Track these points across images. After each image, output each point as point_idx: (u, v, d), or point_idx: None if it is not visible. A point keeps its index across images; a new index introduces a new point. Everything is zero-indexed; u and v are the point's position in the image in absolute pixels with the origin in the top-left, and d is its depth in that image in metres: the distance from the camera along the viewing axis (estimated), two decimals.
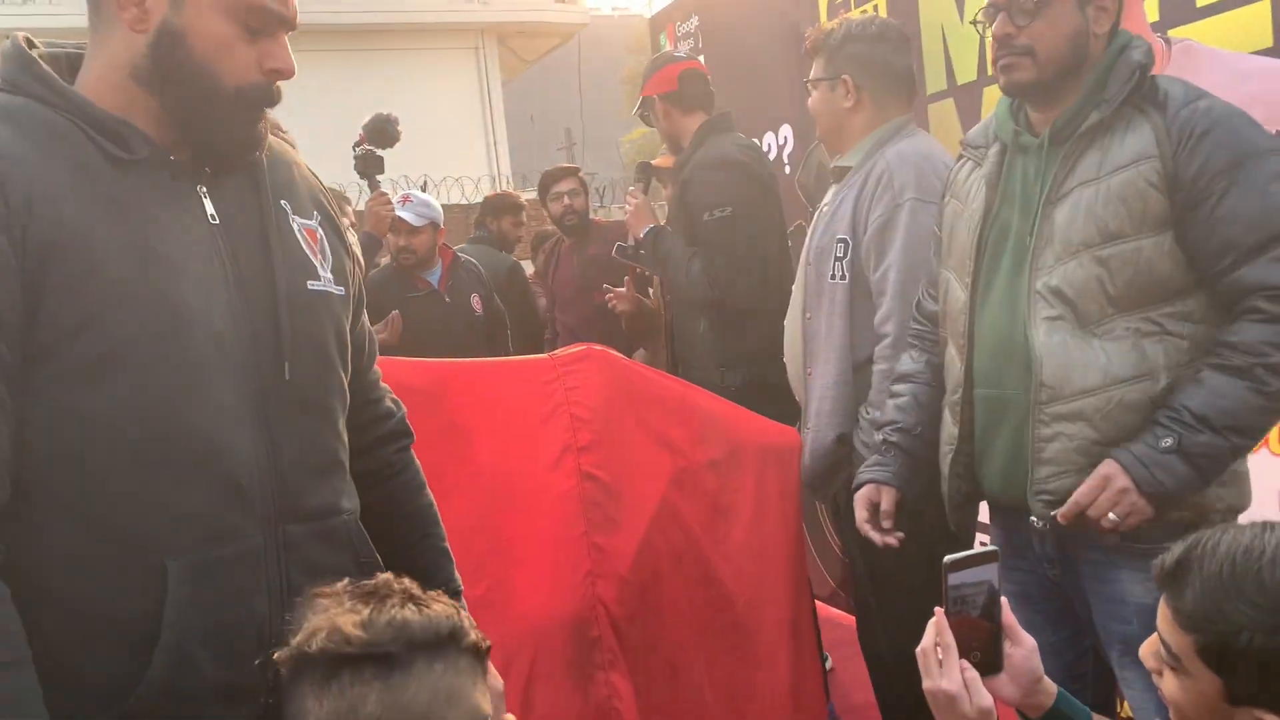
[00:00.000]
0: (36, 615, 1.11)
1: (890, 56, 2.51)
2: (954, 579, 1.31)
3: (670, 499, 2.24)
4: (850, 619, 2.88)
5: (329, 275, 1.37)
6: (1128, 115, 1.71)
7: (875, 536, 2.10)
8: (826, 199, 2.56)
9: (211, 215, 1.26)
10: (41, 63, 1.22)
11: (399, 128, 3.77)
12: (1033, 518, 1.78)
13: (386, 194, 3.83)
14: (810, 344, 2.46)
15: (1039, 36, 1.75)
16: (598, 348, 2.47)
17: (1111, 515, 1.67)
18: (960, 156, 2.00)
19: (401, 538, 1.50)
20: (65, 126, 1.19)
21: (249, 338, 1.26)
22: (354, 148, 3.82)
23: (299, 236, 1.35)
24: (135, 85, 1.23)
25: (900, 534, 2.11)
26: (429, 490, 1.58)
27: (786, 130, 3.89)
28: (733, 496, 2.34)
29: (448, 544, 1.56)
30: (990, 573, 1.33)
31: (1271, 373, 1.61)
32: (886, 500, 2.10)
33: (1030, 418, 1.76)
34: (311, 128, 5.39)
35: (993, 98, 2.96)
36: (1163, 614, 1.18)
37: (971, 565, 1.32)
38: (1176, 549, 1.16)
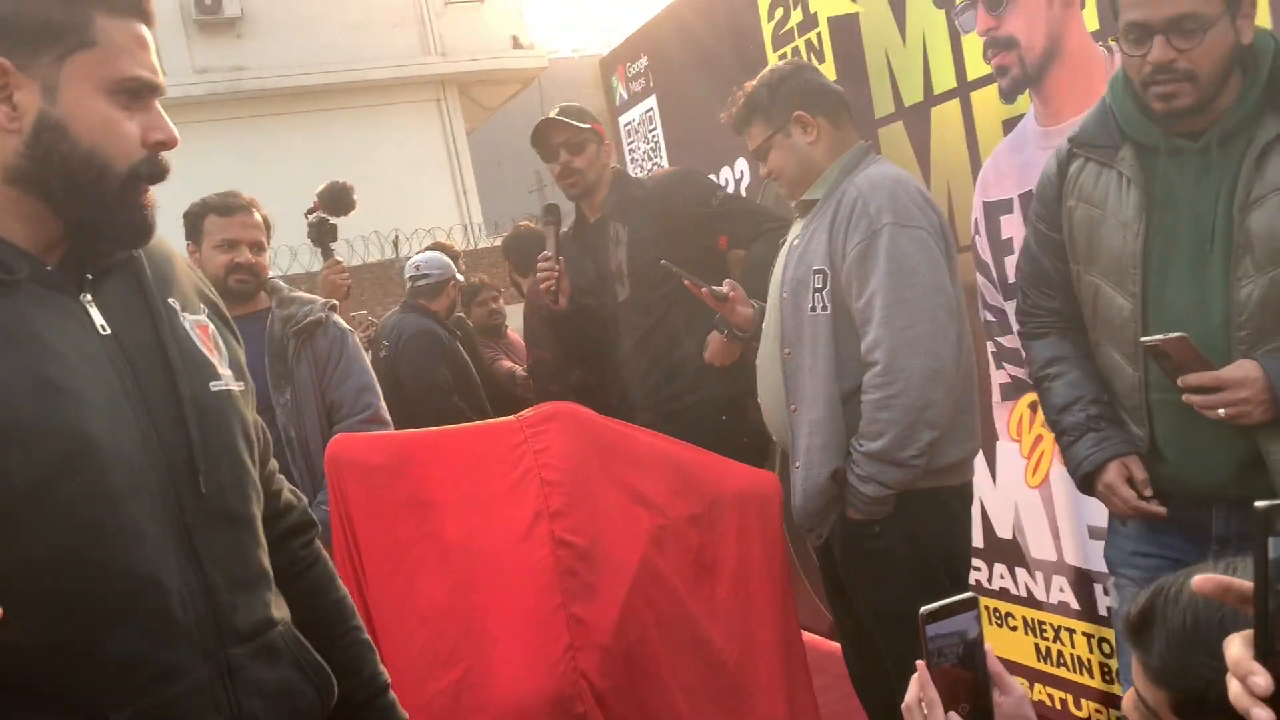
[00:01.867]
0: None
1: (819, 79, 2.53)
2: (932, 630, 1.25)
3: (650, 559, 2.17)
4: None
5: (227, 371, 1.29)
6: None
7: (1151, 508, 1.93)
8: (795, 233, 2.52)
9: (101, 326, 1.17)
10: None
11: (354, 196, 3.72)
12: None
13: (341, 262, 3.77)
14: (792, 380, 2.40)
15: (1201, 60, 1.68)
16: (566, 405, 2.41)
17: (1221, 412, 1.73)
18: (1071, 155, 1.94)
19: (320, 635, 1.41)
20: None
21: (159, 456, 1.18)
22: (306, 215, 3.76)
23: (193, 335, 1.27)
24: (9, 189, 1.13)
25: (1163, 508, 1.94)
26: (340, 582, 1.51)
27: (742, 164, 3.87)
28: (715, 550, 2.27)
29: (367, 635, 1.50)
30: (969, 621, 1.27)
31: None
32: (1138, 469, 1.94)
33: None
34: (279, 190, 5.35)
35: (940, 116, 2.94)
36: (1135, 668, 1.12)
37: (950, 614, 1.27)
38: (1140, 599, 1.11)
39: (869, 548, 2.34)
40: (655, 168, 4.47)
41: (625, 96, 4.66)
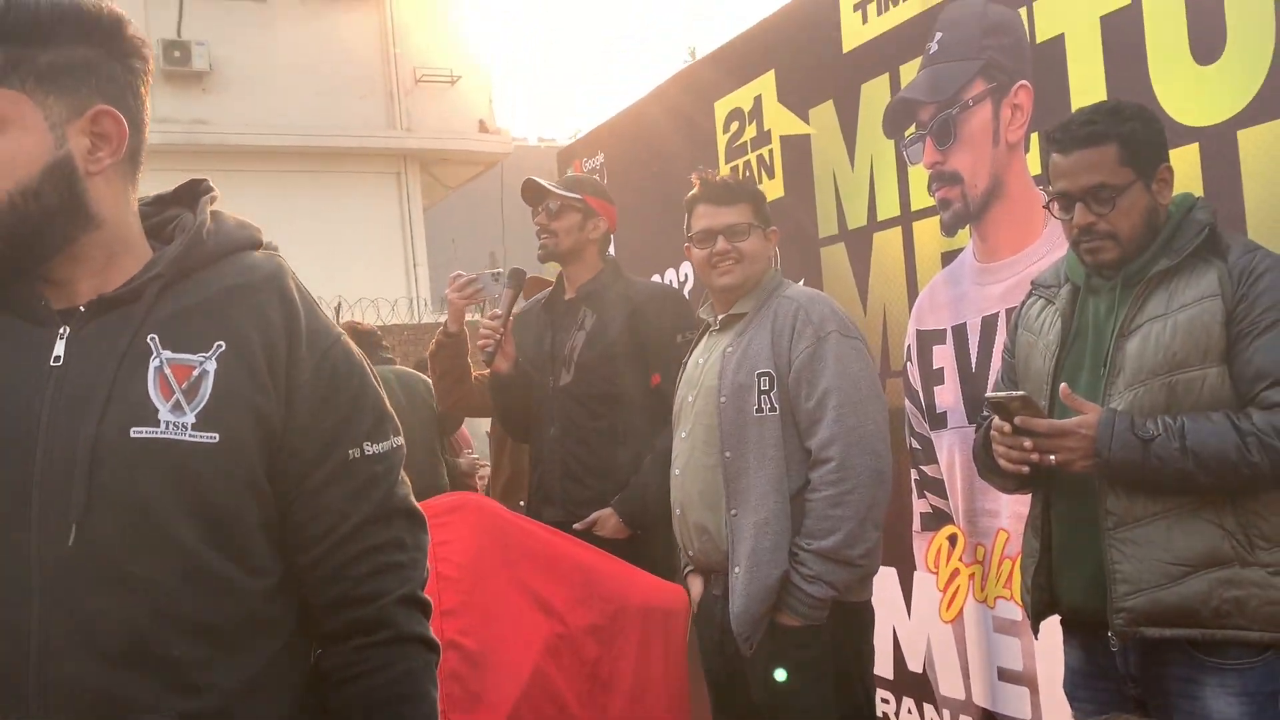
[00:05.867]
0: None
1: None
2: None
3: (543, 669, 2.06)
4: None
5: (188, 420, 1.15)
6: (1192, 263, 1.88)
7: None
8: (723, 344, 2.49)
9: (56, 358, 1.15)
10: None
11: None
12: (1110, 634, 1.87)
13: None
14: (734, 483, 2.37)
15: (1118, 222, 1.90)
16: (474, 496, 2.31)
17: (1053, 458, 1.87)
18: (1030, 295, 2.17)
19: None
20: None
21: (40, 494, 1.10)
22: None
23: (151, 375, 1.15)
24: None
25: None
26: (410, 703, 1.25)
27: (686, 268, 3.87)
28: (613, 665, 2.16)
29: None
30: None
31: (1261, 449, 1.75)
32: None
33: (1103, 540, 1.88)
34: None
35: (882, 242, 2.98)
36: None
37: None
38: None
39: (797, 658, 2.28)
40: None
41: None
